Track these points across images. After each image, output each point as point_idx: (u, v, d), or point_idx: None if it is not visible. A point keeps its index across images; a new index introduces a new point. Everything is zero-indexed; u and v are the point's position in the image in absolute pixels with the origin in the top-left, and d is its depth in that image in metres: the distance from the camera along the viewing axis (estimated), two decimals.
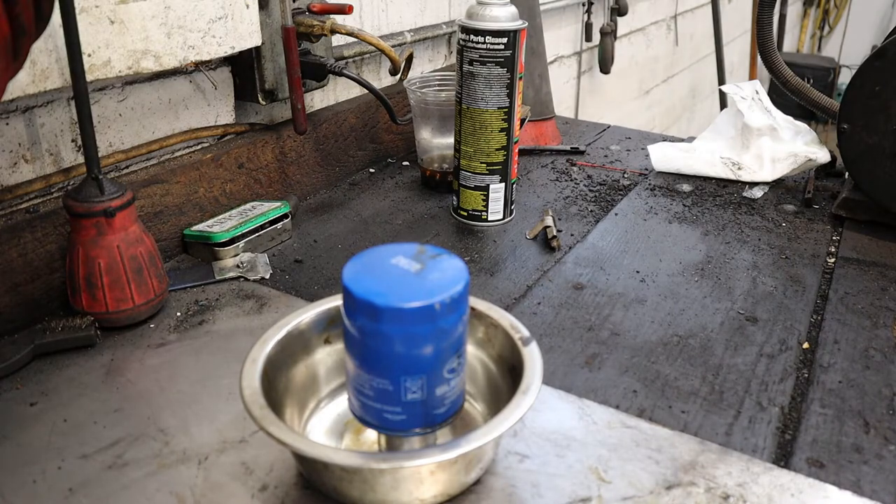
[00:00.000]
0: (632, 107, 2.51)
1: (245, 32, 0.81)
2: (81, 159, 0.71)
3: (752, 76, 3.77)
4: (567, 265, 0.83)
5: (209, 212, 0.85)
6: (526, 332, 0.53)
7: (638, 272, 0.81)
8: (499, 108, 0.83)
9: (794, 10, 5.00)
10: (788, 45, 5.01)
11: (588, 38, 1.99)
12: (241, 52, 0.82)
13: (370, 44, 0.93)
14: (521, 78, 0.82)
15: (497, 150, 0.85)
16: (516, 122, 0.85)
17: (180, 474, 0.51)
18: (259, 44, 0.84)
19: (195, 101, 0.86)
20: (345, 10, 0.89)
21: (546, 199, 1.01)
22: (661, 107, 2.84)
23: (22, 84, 0.62)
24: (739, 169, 1.08)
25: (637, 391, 0.61)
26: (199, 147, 0.87)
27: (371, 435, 0.54)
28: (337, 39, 1.03)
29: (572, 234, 0.91)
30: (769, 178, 1.06)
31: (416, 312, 0.42)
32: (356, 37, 0.92)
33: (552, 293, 0.77)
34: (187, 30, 0.74)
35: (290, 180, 0.97)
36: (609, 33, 2.02)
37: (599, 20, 2.02)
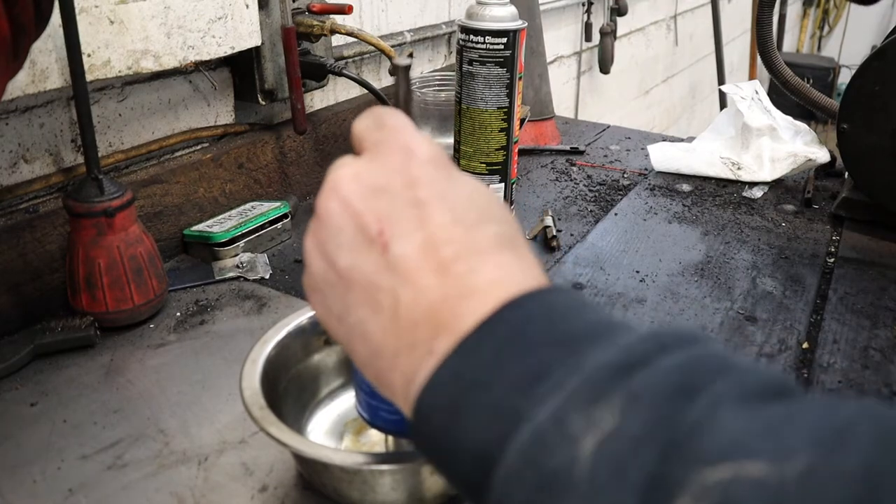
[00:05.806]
0: (632, 107, 2.51)
1: (245, 32, 0.81)
2: (81, 159, 0.71)
3: (751, 76, 3.77)
4: (567, 265, 0.83)
5: (209, 212, 0.85)
6: None
7: (638, 272, 0.81)
8: (498, 108, 0.83)
9: (794, 10, 4.99)
10: (788, 45, 5.01)
11: (588, 38, 1.99)
12: (240, 52, 0.82)
13: (370, 44, 0.93)
14: (520, 78, 0.82)
15: (497, 149, 0.85)
16: (516, 122, 0.85)
17: (180, 475, 0.51)
18: (259, 44, 0.84)
19: (195, 101, 0.86)
20: (345, 10, 0.89)
21: (546, 199, 1.01)
22: (661, 107, 2.84)
23: (22, 84, 0.62)
24: (739, 169, 1.08)
25: None
26: (199, 147, 0.87)
27: (371, 436, 0.54)
28: (337, 39, 1.03)
29: (572, 234, 0.91)
30: (769, 178, 1.06)
31: None
32: (356, 37, 0.92)
33: None
34: (187, 30, 0.74)
35: (290, 180, 0.97)
36: (609, 33, 2.02)
37: (599, 20, 2.02)
